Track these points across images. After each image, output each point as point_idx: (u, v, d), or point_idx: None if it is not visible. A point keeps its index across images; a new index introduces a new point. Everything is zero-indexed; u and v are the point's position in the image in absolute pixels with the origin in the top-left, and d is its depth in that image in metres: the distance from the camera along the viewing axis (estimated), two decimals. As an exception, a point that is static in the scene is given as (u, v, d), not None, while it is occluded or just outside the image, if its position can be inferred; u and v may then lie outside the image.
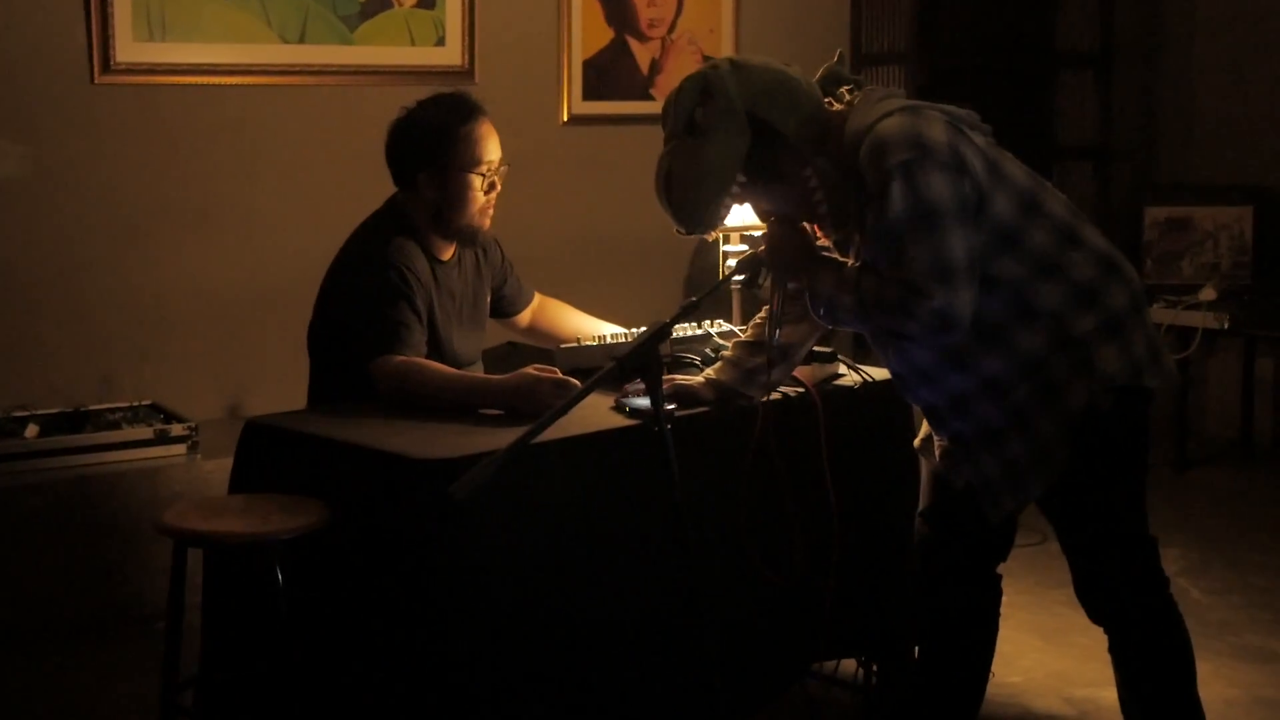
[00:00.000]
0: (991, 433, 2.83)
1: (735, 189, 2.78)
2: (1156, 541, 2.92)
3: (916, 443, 3.10)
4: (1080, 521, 2.88)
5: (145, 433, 4.51)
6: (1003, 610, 4.36)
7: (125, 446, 4.48)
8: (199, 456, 4.52)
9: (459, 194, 3.44)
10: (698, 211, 2.79)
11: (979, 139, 2.76)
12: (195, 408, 4.81)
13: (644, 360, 2.53)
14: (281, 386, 3.96)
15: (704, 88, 2.76)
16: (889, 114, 2.69)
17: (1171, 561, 4.84)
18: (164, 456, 4.50)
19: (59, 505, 4.31)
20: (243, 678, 3.07)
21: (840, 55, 2.93)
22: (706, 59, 5.82)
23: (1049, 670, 4.02)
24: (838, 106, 2.82)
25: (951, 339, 2.71)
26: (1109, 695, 3.83)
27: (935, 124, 2.67)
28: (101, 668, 4.05)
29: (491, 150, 3.47)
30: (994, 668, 3.89)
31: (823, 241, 2.94)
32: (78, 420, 4.56)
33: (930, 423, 3.00)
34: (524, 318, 3.90)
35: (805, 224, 2.91)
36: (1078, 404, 2.75)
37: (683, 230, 2.85)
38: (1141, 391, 2.81)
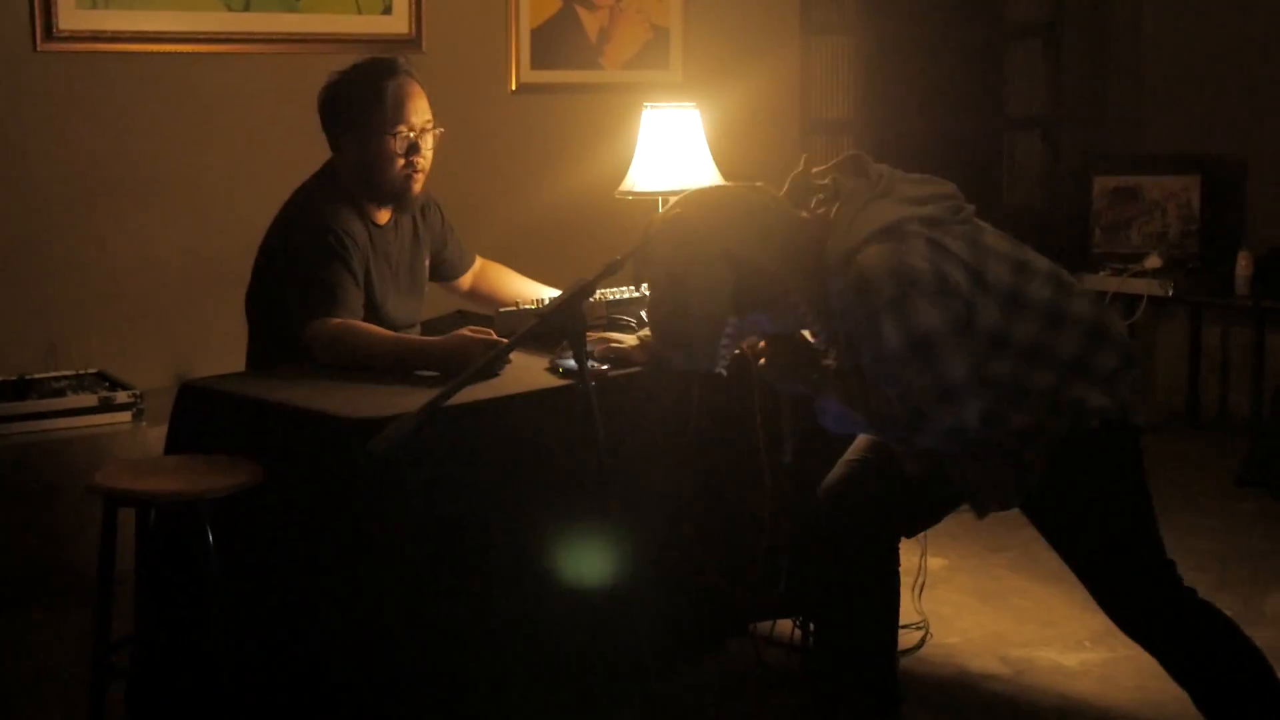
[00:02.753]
0: (975, 456, 2.86)
1: (729, 329, 2.76)
2: (1173, 564, 2.91)
3: None
4: (1086, 550, 2.89)
5: (89, 400, 4.51)
6: (944, 574, 4.43)
7: (69, 414, 4.47)
8: (144, 424, 4.53)
9: (377, 156, 3.44)
10: (697, 356, 2.79)
11: (957, 244, 2.73)
12: (142, 376, 4.80)
13: (566, 319, 2.55)
14: (228, 354, 3.95)
15: (677, 238, 2.75)
16: (868, 240, 2.67)
17: (1112, 525, 4.90)
18: (108, 424, 4.50)
19: (2, 472, 4.30)
20: (176, 638, 3.08)
21: (805, 160, 2.89)
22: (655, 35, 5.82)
23: (986, 631, 4.07)
24: (808, 216, 2.80)
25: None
26: (1044, 654, 3.91)
27: (915, 247, 2.66)
28: (44, 633, 4.05)
29: (414, 112, 3.46)
30: (932, 629, 3.97)
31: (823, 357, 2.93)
32: (22, 389, 4.55)
33: None
34: (465, 281, 3.91)
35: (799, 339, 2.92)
36: (1062, 433, 2.79)
37: (686, 371, 2.89)
38: (1129, 427, 2.83)
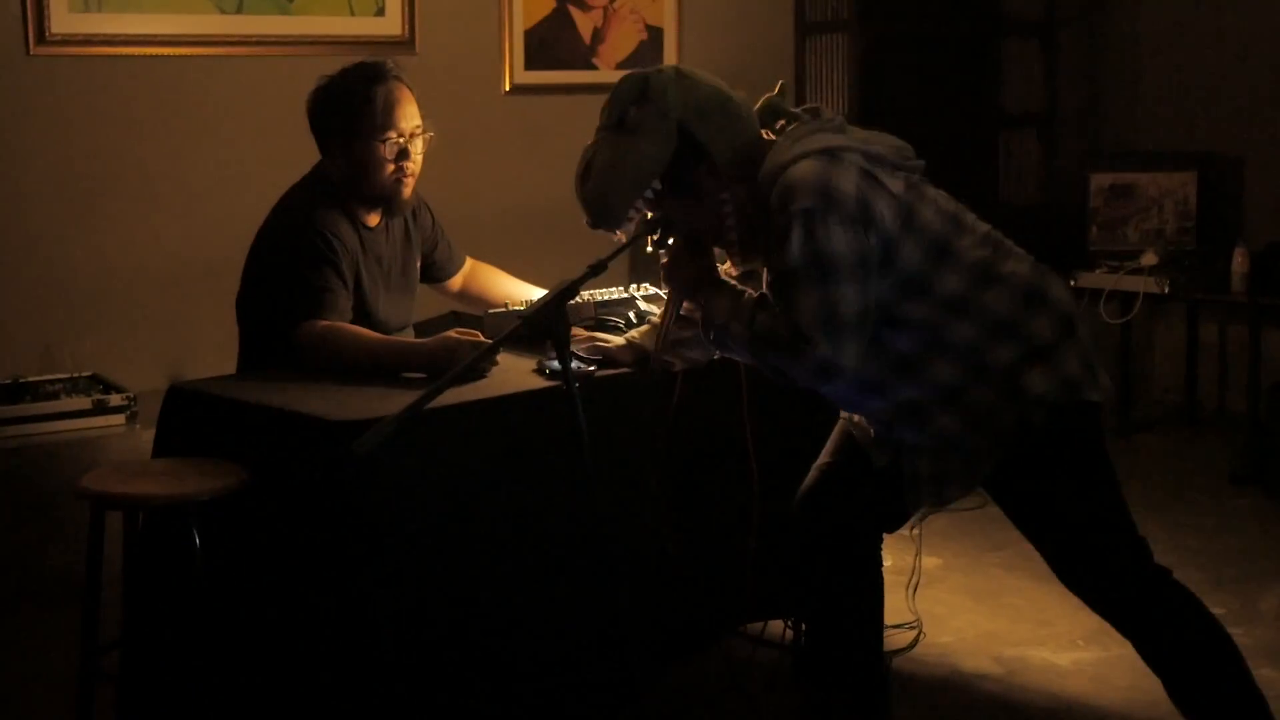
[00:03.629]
0: (922, 448, 2.84)
1: (650, 194, 2.76)
2: (1144, 542, 2.85)
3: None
4: (1053, 535, 2.85)
5: (84, 403, 4.52)
6: (939, 574, 4.42)
7: (64, 417, 4.48)
8: (138, 426, 4.53)
9: (366, 161, 3.43)
10: (608, 207, 2.79)
11: (897, 184, 2.72)
12: (136, 378, 4.81)
13: (549, 320, 2.55)
14: (222, 356, 3.95)
15: (643, 88, 2.76)
16: (805, 155, 2.68)
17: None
18: (103, 426, 4.50)
19: (-3, 476, 4.32)
20: (163, 641, 3.08)
21: (782, 87, 2.92)
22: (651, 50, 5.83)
23: (980, 630, 4.06)
24: (769, 138, 2.81)
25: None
26: (1037, 654, 3.90)
27: (848, 173, 2.66)
28: (37, 635, 4.05)
29: (403, 117, 3.44)
30: (926, 628, 3.97)
31: (727, 270, 2.93)
32: (16, 392, 4.56)
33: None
34: (455, 283, 3.91)
35: (712, 249, 2.90)
36: (1008, 424, 2.75)
37: (591, 223, 2.85)
38: (1082, 406, 2.78)
